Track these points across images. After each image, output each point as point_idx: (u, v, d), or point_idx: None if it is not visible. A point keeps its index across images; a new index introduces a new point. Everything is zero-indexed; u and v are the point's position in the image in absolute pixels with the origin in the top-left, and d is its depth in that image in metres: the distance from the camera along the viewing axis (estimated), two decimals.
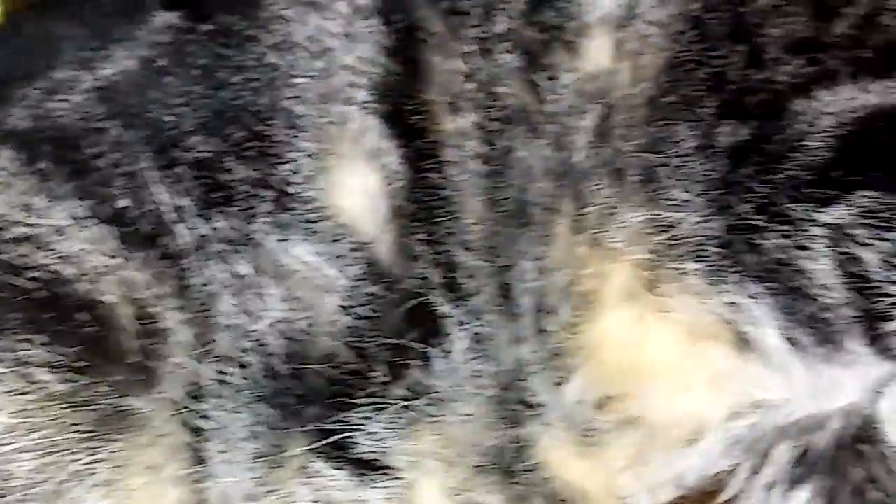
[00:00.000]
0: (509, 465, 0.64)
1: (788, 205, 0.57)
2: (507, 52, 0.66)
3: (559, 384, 0.65)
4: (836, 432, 0.61)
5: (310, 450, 0.58)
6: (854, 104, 0.58)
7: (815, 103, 0.59)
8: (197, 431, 0.57)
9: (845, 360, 0.59)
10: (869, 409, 0.60)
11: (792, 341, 0.59)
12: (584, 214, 0.64)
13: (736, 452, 0.65)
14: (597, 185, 0.64)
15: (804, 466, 0.62)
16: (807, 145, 0.58)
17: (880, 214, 0.55)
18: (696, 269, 0.61)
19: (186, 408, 0.56)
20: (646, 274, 0.64)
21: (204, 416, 0.57)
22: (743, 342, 0.61)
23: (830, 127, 0.58)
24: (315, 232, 0.62)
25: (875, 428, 0.59)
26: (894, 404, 0.57)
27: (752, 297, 0.59)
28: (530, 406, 0.65)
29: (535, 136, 0.65)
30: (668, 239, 0.63)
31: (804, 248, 0.56)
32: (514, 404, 0.65)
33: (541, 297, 0.64)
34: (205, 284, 0.59)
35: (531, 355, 0.65)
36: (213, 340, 0.57)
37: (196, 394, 0.56)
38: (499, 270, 0.64)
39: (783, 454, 0.63)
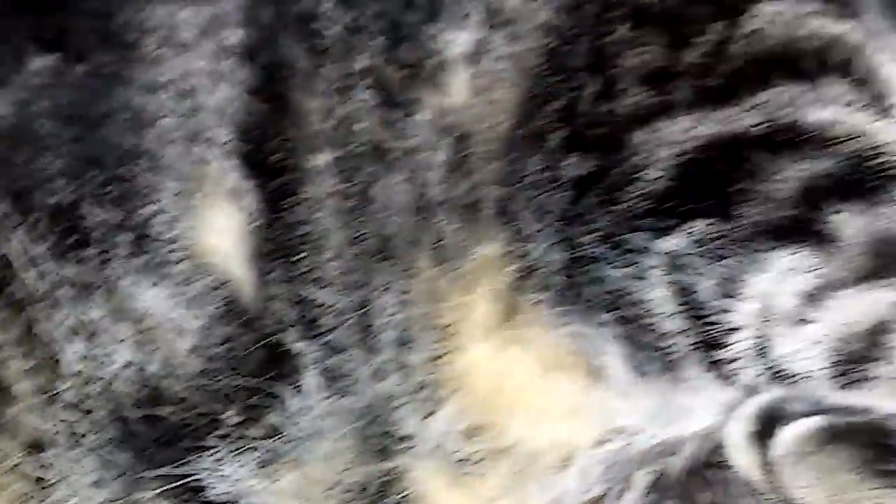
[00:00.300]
0: (376, 499, 0.65)
1: (627, 235, 0.59)
2: (367, 88, 0.68)
3: (427, 416, 0.66)
4: (688, 458, 0.62)
5: (161, 493, 0.58)
6: (692, 134, 0.59)
7: (655, 134, 0.60)
8: (38, 482, 0.57)
9: (692, 387, 0.60)
10: (719, 434, 0.61)
11: (637, 369, 0.60)
12: (442, 248, 0.65)
13: (603, 478, 0.67)
14: (453, 218, 0.66)
15: (658, 492, 0.63)
16: (646, 176, 0.59)
17: (713, 243, 0.56)
18: (546, 301, 0.62)
19: (25, 458, 0.56)
20: (503, 305, 0.65)
21: (45, 466, 0.57)
22: (595, 371, 0.63)
23: (669, 157, 0.59)
24: (172, 274, 0.63)
25: (722, 453, 0.60)
26: (738, 429, 0.58)
27: (597, 327, 0.60)
28: (398, 439, 0.66)
29: (392, 172, 0.66)
30: (521, 271, 0.64)
31: (642, 277, 0.58)
32: (380, 438, 0.66)
33: (403, 331, 0.65)
34: (52, 331, 0.59)
35: (396, 388, 0.65)
36: (58, 388, 0.58)
37: (37, 443, 0.56)
38: (358, 305, 0.64)
39: (642, 480, 0.64)
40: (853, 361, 0.51)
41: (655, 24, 0.68)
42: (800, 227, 0.54)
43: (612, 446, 0.65)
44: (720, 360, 0.56)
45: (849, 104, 0.61)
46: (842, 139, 0.58)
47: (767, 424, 0.57)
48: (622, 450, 0.65)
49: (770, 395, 0.57)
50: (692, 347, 0.57)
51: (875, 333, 0.51)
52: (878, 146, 0.58)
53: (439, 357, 0.66)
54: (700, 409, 0.62)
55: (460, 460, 0.67)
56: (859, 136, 0.58)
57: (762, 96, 0.61)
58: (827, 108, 0.60)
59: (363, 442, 0.65)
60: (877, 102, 0.62)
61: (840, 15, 0.64)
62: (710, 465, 0.61)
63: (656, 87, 0.64)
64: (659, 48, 0.67)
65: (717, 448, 0.61)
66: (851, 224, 0.53)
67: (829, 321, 0.52)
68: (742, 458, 0.58)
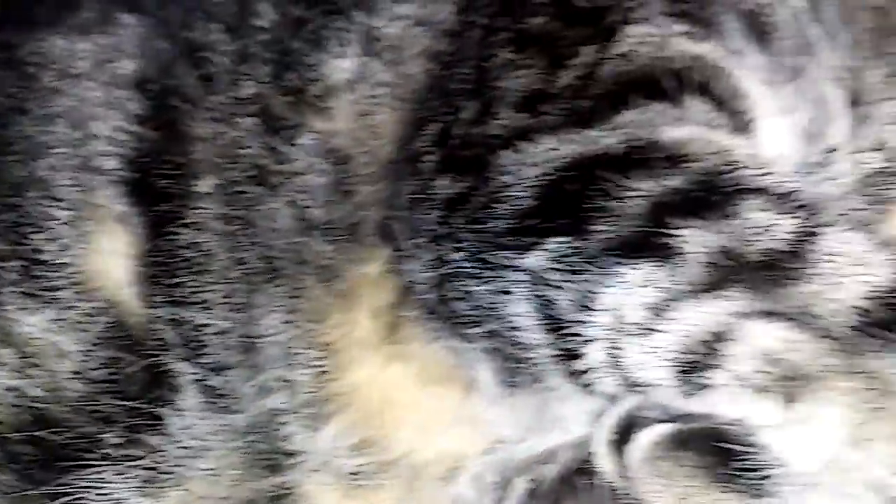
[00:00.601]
0: None
1: (493, 252, 0.61)
2: (252, 115, 0.70)
3: (315, 431, 0.68)
4: (562, 466, 0.64)
5: None
6: (555, 155, 0.61)
7: (520, 155, 0.62)
8: None
9: (561, 397, 0.62)
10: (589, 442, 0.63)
11: (507, 382, 0.62)
12: (324, 268, 0.67)
13: (490, 487, 0.69)
14: (335, 239, 0.68)
15: (534, 500, 0.64)
16: (511, 196, 0.61)
17: (569, 259, 0.58)
18: (423, 317, 0.64)
19: None
20: (385, 323, 0.67)
21: None
22: (470, 384, 0.64)
23: (532, 178, 0.61)
24: (57, 299, 0.64)
25: (590, 460, 0.62)
26: (601, 437, 0.60)
27: (468, 342, 0.62)
28: (287, 454, 0.68)
29: (275, 196, 0.68)
30: (400, 289, 0.66)
31: (506, 293, 0.60)
32: (268, 454, 0.67)
33: (288, 350, 0.67)
34: None
35: (282, 405, 0.67)
36: None
37: None
38: (242, 326, 0.66)
39: (519, 488, 0.65)
40: (693, 370, 0.53)
41: (535, 47, 0.70)
42: (647, 242, 0.56)
43: (495, 456, 0.67)
44: (579, 370, 0.58)
45: (707, 122, 0.64)
46: (695, 157, 0.60)
47: (625, 432, 0.58)
48: (503, 459, 0.67)
49: (627, 403, 0.59)
50: (554, 359, 0.59)
51: (712, 342, 0.52)
52: (732, 162, 0.60)
53: (325, 374, 0.68)
54: (572, 419, 0.64)
55: (351, 473, 0.68)
56: (714, 154, 0.61)
57: (625, 116, 0.63)
58: (685, 127, 0.63)
59: (251, 458, 0.67)
60: (735, 120, 0.65)
61: (702, 36, 0.67)
62: (580, 472, 0.63)
63: (531, 109, 0.67)
64: (537, 71, 0.69)
65: (588, 456, 0.63)
66: (694, 239, 0.55)
67: (672, 332, 0.54)
68: (606, 464, 0.60)
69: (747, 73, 0.66)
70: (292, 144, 0.69)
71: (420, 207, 0.65)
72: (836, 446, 0.48)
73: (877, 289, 0.51)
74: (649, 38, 0.67)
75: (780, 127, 0.65)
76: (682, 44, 0.67)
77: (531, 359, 0.60)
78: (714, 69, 0.66)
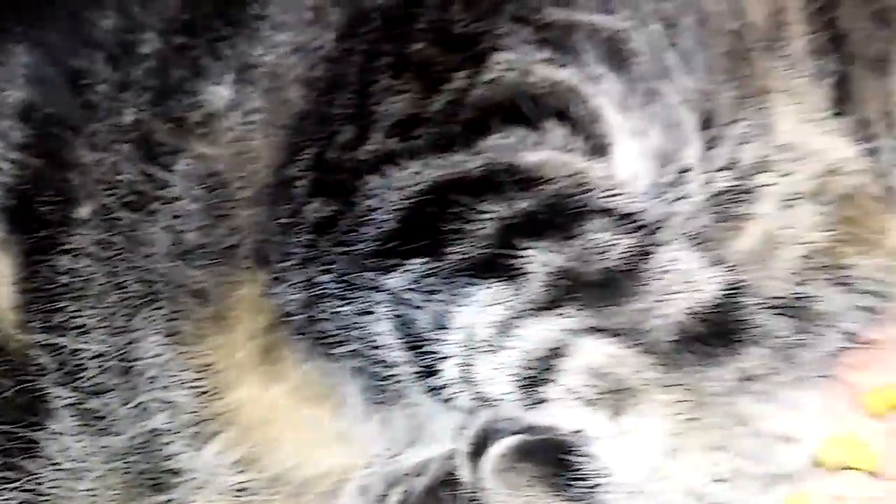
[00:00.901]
0: None
1: (358, 274, 0.63)
2: (131, 141, 0.72)
3: (198, 449, 0.70)
4: (430, 478, 0.67)
5: None
6: (419, 179, 0.64)
7: (386, 180, 0.65)
8: None
9: (425, 412, 0.64)
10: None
11: (374, 399, 0.65)
12: (202, 291, 0.69)
13: (371, 501, 0.71)
14: (213, 263, 0.69)
15: None
16: (375, 219, 0.63)
17: (427, 280, 0.60)
18: (296, 338, 0.66)
19: None
20: (262, 344, 0.69)
21: None
22: (342, 402, 0.67)
23: (396, 201, 0.64)
24: None
25: (455, 472, 0.65)
26: (465, 449, 0.63)
27: (337, 361, 0.65)
28: (172, 473, 0.69)
29: (154, 220, 0.70)
30: (276, 310, 0.68)
31: (370, 312, 0.62)
32: (152, 473, 0.69)
33: (168, 371, 0.69)
34: None
35: (164, 426, 0.69)
36: None
37: None
38: (120, 350, 0.68)
39: (393, 501, 0.68)
40: (533, 385, 0.56)
41: (413, 72, 0.73)
42: (496, 263, 0.58)
43: (373, 470, 0.70)
44: (437, 386, 0.60)
45: (564, 146, 0.66)
46: (548, 179, 0.63)
47: (480, 444, 0.61)
48: (381, 473, 0.69)
49: (483, 417, 0.61)
50: (414, 376, 0.61)
51: (549, 358, 0.55)
52: (582, 185, 0.63)
53: (205, 394, 0.69)
54: (440, 432, 0.66)
55: (236, 490, 0.70)
56: (568, 176, 0.63)
57: (487, 141, 0.66)
58: (542, 151, 0.65)
59: (133, 478, 0.68)
60: (591, 143, 0.67)
61: (563, 62, 0.70)
62: (445, 483, 0.65)
63: (403, 133, 0.69)
64: (413, 96, 0.72)
65: (453, 468, 0.65)
66: (538, 259, 0.58)
67: (515, 348, 0.57)
68: (465, 475, 0.63)
69: (604, 97, 0.68)
70: (170, 170, 0.71)
71: (291, 231, 0.67)
72: (656, 456, 0.51)
73: (699, 305, 0.54)
74: (515, 64, 0.70)
75: (634, 149, 0.68)
76: (544, 70, 0.70)
77: (394, 376, 0.62)
78: (572, 94, 0.68)
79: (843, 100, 0.77)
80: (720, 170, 0.70)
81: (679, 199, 0.69)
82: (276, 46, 0.75)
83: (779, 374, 0.53)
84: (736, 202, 0.70)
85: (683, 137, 0.70)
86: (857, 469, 0.69)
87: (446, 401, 0.61)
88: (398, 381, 0.63)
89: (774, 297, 0.71)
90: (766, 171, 0.70)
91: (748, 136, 0.70)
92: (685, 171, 0.70)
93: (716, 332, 0.53)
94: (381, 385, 0.64)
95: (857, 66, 0.77)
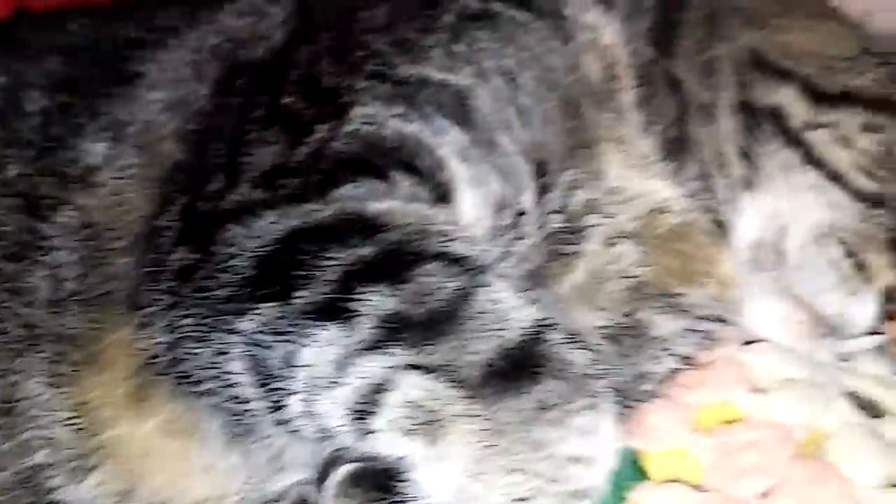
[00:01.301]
0: None
1: (216, 318, 0.68)
2: (14, 195, 0.77)
3: (79, 483, 0.74)
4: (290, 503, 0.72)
5: None
6: (274, 227, 0.69)
7: (245, 229, 0.70)
8: None
9: (281, 444, 0.70)
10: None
11: (235, 432, 0.70)
12: (80, 335, 0.74)
13: None
14: (91, 307, 0.74)
15: None
16: (234, 266, 0.69)
17: (277, 322, 0.66)
18: (165, 378, 0.71)
19: None
20: (136, 383, 0.74)
21: None
22: (208, 435, 0.72)
23: (253, 249, 0.69)
24: None
25: (308, 499, 0.70)
26: (313, 476, 0.68)
27: (198, 398, 0.70)
28: None
29: (35, 270, 0.75)
30: (146, 352, 0.73)
31: (226, 353, 0.67)
32: None
33: (49, 410, 0.74)
34: None
35: (46, 461, 0.74)
36: None
37: None
38: (3, 390, 0.72)
39: None
40: (362, 417, 0.62)
41: (281, 124, 0.78)
42: (336, 306, 0.64)
43: (239, 498, 0.75)
44: (285, 419, 0.66)
45: (410, 195, 0.73)
46: (391, 227, 0.69)
47: (324, 472, 0.67)
48: (248, 501, 0.74)
49: (327, 447, 0.67)
50: (266, 410, 0.67)
51: (375, 393, 0.61)
52: (423, 231, 0.69)
53: (84, 431, 0.74)
54: (297, 462, 0.72)
55: None
56: (409, 224, 0.69)
57: (341, 190, 0.72)
58: (388, 200, 0.71)
59: None
60: (435, 192, 0.73)
61: (413, 117, 0.76)
62: None
63: (267, 183, 0.74)
64: (280, 147, 0.77)
65: (307, 495, 0.71)
66: (371, 303, 0.63)
67: (348, 384, 0.62)
68: (315, 501, 0.68)
69: (449, 149, 0.75)
70: (50, 222, 0.76)
71: (157, 278, 0.72)
72: (463, 479, 0.57)
73: (507, 342, 0.60)
74: (371, 118, 0.76)
75: (475, 196, 0.74)
76: (396, 124, 0.76)
77: (249, 411, 0.68)
78: (419, 147, 0.75)
79: (678, 143, 0.85)
80: (552, 213, 0.78)
81: (515, 240, 0.77)
82: (151, 104, 0.81)
83: (573, 402, 0.59)
84: (566, 242, 0.77)
85: (520, 184, 0.77)
86: (684, 482, 0.77)
87: (294, 433, 0.67)
88: (253, 416, 0.68)
89: (602, 327, 0.79)
90: (594, 213, 0.78)
91: (578, 182, 0.78)
92: (521, 214, 0.77)
93: (518, 367, 0.60)
94: (239, 420, 0.69)
95: (691, 112, 0.85)
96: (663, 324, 0.81)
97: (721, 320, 0.84)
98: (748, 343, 0.87)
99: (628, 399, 0.80)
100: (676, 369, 0.82)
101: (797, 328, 0.83)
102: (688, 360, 0.83)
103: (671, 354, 0.82)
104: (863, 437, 0.78)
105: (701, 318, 0.83)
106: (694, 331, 0.83)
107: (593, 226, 0.76)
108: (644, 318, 0.80)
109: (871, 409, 0.86)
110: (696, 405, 0.81)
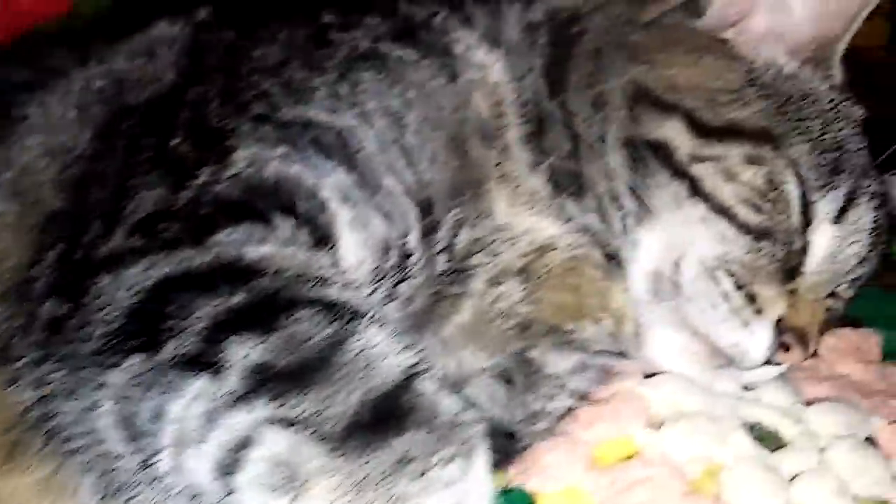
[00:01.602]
0: None
1: (85, 371, 0.66)
2: None
3: None
4: None
5: None
6: (146, 276, 0.67)
7: (117, 278, 0.69)
8: None
9: (154, 499, 0.68)
10: None
11: (106, 490, 0.68)
12: None
13: None
14: None
15: None
16: (104, 317, 0.67)
17: (145, 375, 0.63)
18: (37, 436, 0.69)
19: None
20: (10, 440, 0.72)
21: None
22: (79, 492, 0.70)
23: (125, 298, 0.67)
24: None
25: None
26: None
27: (69, 456, 0.68)
28: None
29: None
30: (21, 409, 0.71)
31: (95, 409, 0.65)
32: None
33: None
34: None
35: None
36: None
37: None
38: None
39: None
40: (227, 473, 0.59)
41: (168, 166, 0.77)
42: (204, 356, 0.63)
43: None
44: (157, 476, 0.64)
45: (289, 239, 0.71)
46: (267, 273, 0.68)
47: None
48: None
49: None
50: (136, 467, 0.65)
51: (239, 448, 0.59)
52: (300, 276, 0.67)
53: None
54: None
55: None
56: (288, 269, 0.69)
57: (219, 236, 0.70)
58: (266, 244, 0.70)
59: None
60: (316, 235, 0.73)
61: (294, 159, 0.75)
62: None
63: (145, 230, 0.72)
64: (163, 191, 0.75)
65: None
66: (240, 352, 0.62)
67: (214, 439, 0.61)
68: None
69: (330, 191, 0.74)
70: None
71: (28, 329, 0.70)
72: None
73: (374, 392, 0.59)
74: (253, 160, 0.75)
75: (358, 238, 0.73)
76: (278, 166, 0.75)
77: (120, 467, 0.66)
78: (301, 189, 0.74)
79: (573, 178, 0.85)
80: (439, 252, 0.77)
81: (401, 282, 0.76)
82: (29, 148, 0.79)
83: (438, 452, 0.58)
84: (452, 282, 0.76)
85: (405, 225, 0.76)
86: None
87: (167, 490, 0.65)
88: (125, 473, 0.67)
89: (491, 367, 0.78)
90: (480, 252, 0.77)
91: (465, 221, 0.77)
92: (407, 255, 0.76)
93: (383, 418, 0.58)
94: (112, 477, 0.67)
95: (583, 147, 0.85)
96: (558, 361, 0.80)
97: (618, 354, 0.84)
98: (649, 376, 0.87)
99: (522, 439, 0.80)
100: (573, 406, 0.82)
101: (696, 359, 0.84)
102: (585, 397, 0.83)
103: (567, 391, 0.82)
104: (757, 470, 0.78)
105: (597, 353, 0.83)
106: (590, 366, 0.83)
107: (480, 265, 0.76)
108: (537, 355, 0.80)
109: (774, 441, 0.87)
110: (594, 442, 0.80)
